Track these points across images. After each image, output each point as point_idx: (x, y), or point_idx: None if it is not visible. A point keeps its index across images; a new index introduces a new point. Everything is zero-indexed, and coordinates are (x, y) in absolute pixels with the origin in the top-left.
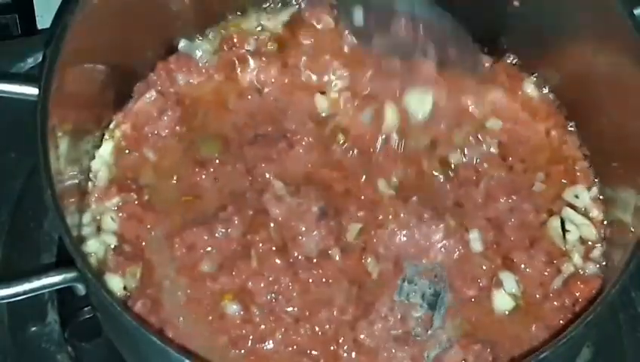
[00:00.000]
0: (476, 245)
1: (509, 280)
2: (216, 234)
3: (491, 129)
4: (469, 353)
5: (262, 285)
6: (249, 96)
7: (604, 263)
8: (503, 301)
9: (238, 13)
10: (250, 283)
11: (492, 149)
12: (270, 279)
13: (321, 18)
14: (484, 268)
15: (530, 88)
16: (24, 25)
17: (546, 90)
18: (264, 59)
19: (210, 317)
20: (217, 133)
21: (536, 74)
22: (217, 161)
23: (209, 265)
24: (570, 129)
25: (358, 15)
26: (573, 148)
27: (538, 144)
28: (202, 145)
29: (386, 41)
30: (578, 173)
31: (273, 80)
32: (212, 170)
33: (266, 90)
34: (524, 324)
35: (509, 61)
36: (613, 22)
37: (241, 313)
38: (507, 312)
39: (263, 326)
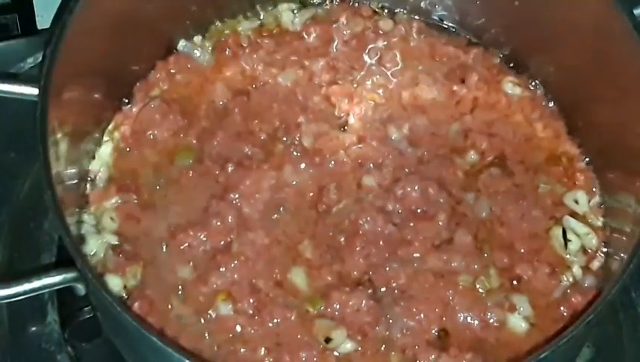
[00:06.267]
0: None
1: (522, 302)
2: (202, 237)
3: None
4: None
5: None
6: (245, 98)
7: (603, 274)
8: (518, 325)
9: (235, 15)
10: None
11: (484, 145)
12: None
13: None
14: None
15: (509, 87)
16: (24, 25)
17: (532, 87)
18: (261, 59)
19: (207, 317)
20: (190, 145)
21: (525, 73)
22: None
23: (190, 270)
24: (561, 120)
25: None
26: (567, 143)
27: (532, 140)
28: (177, 156)
29: None
30: (578, 174)
31: (270, 80)
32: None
33: (262, 89)
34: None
35: (495, 60)
36: (613, 22)
37: (234, 313)
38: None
39: (252, 329)
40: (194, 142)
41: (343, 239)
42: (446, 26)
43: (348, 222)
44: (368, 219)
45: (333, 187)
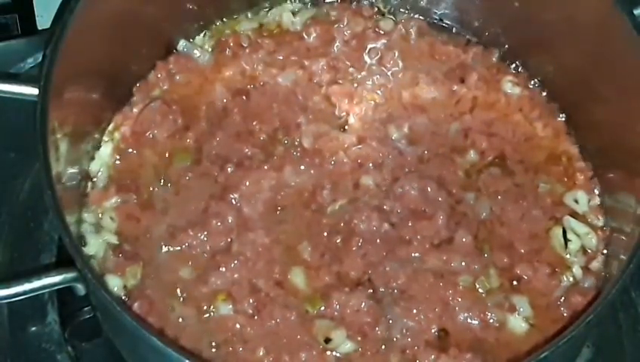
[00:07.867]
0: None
1: (522, 303)
2: (202, 237)
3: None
4: None
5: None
6: (245, 98)
7: (603, 274)
8: (518, 325)
9: (235, 15)
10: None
11: (483, 144)
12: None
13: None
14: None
15: (508, 87)
16: (24, 25)
17: (531, 85)
18: (261, 59)
19: (207, 317)
20: (187, 147)
21: (525, 72)
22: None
23: (190, 270)
24: (560, 119)
25: None
26: (567, 143)
27: (531, 139)
28: (174, 158)
29: None
30: (578, 174)
31: (270, 80)
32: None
33: (262, 89)
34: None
35: (494, 59)
36: (613, 22)
37: (234, 313)
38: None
39: (252, 329)
40: (194, 142)
41: (339, 239)
42: (446, 26)
43: (343, 222)
44: (363, 218)
45: (329, 187)
